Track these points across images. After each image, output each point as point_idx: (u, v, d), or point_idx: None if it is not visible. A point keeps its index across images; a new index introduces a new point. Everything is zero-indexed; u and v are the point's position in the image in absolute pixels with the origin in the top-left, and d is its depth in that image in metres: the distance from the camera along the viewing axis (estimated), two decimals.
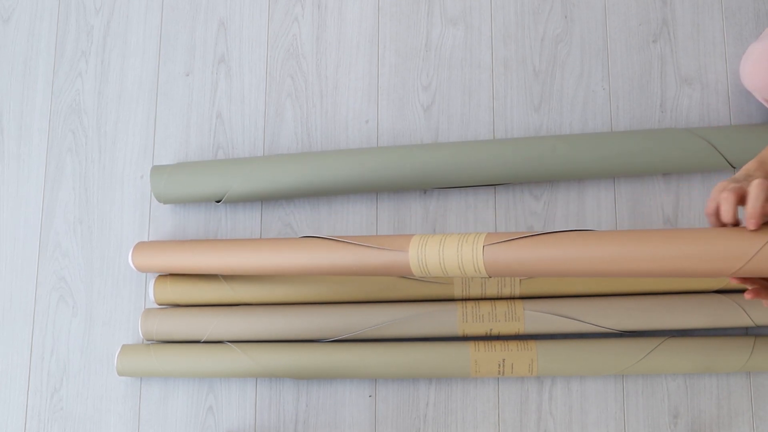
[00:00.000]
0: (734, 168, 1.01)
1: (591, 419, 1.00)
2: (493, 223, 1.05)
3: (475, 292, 0.98)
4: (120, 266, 1.09)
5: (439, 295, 0.99)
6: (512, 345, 0.97)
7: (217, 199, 1.05)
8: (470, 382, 1.01)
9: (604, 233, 0.73)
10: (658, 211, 1.03)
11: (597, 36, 1.09)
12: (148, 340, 1.05)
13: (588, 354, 0.96)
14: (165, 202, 1.06)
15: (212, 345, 1.01)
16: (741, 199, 0.66)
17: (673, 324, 0.96)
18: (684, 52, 1.08)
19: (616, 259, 0.71)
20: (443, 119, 1.09)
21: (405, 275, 0.84)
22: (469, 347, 0.97)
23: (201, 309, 1.03)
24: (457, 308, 0.98)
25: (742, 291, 0.97)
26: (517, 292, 0.98)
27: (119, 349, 1.03)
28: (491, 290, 0.98)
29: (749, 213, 0.65)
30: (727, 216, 0.67)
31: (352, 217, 1.07)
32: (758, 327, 0.98)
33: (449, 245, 0.79)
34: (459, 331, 0.98)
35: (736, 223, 0.68)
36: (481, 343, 0.97)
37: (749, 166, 0.72)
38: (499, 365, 0.96)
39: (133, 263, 1.02)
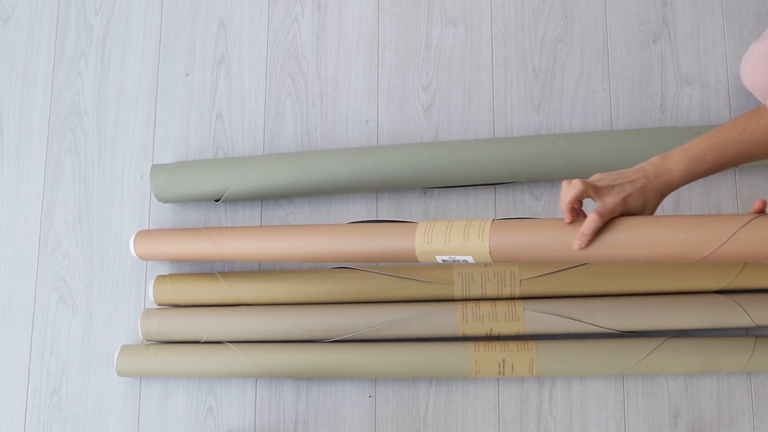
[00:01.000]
0: (736, 166, 1.01)
1: (591, 419, 1.00)
2: None
3: (476, 292, 0.98)
4: (120, 266, 1.09)
5: (439, 295, 0.99)
6: (512, 345, 0.97)
7: (216, 198, 1.05)
8: (470, 383, 1.01)
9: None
10: (658, 210, 1.03)
11: (597, 36, 1.09)
12: (147, 341, 1.05)
13: (588, 354, 0.95)
14: (165, 201, 1.06)
15: (212, 345, 1.01)
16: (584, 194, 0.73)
17: (673, 324, 0.96)
18: (684, 52, 1.08)
19: (609, 245, 0.74)
20: (443, 119, 1.09)
21: (410, 261, 0.85)
22: (469, 347, 0.97)
23: (201, 309, 1.03)
24: (457, 308, 0.98)
25: (742, 291, 0.97)
26: (517, 292, 0.98)
27: (119, 350, 1.03)
28: (491, 290, 0.98)
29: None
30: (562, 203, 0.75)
31: (352, 216, 1.07)
32: (759, 327, 0.98)
33: (456, 230, 0.80)
34: (459, 331, 0.98)
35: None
36: (481, 344, 0.97)
37: (652, 161, 0.75)
38: (499, 365, 0.96)
39: (135, 251, 1.02)
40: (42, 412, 1.07)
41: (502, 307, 0.97)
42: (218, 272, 1.04)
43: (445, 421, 1.01)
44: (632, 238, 0.73)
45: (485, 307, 0.97)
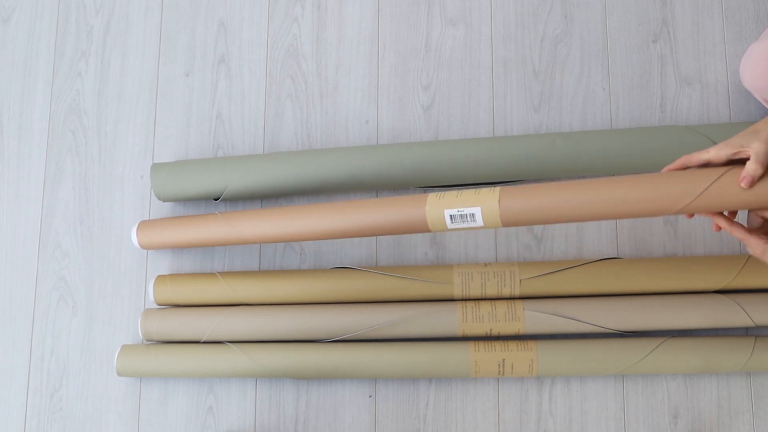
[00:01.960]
0: None
1: (591, 419, 1.00)
2: None
3: (475, 292, 0.98)
4: (120, 266, 1.09)
5: (439, 295, 0.99)
6: (512, 345, 0.97)
7: (215, 197, 1.05)
8: (470, 383, 1.01)
9: (592, 182, 0.81)
10: None
11: (597, 36, 1.09)
12: (147, 341, 1.05)
13: (588, 354, 0.95)
14: (165, 200, 1.06)
15: (212, 345, 1.01)
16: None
17: (673, 324, 0.96)
18: (684, 52, 1.08)
19: (595, 203, 0.79)
20: (443, 119, 1.09)
21: (421, 230, 0.87)
22: (469, 347, 0.97)
23: (201, 309, 1.03)
24: (457, 308, 0.98)
25: (742, 291, 0.97)
26: (517, 292, 0.98)
27: (119, 349, 1.03)
28: (491, 290, 0.98)
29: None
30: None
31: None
32: (758, 327, 0.98)
33: (466, 196, 0.83)
34: (459, 331, 0.98)
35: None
36: (481, 344, 0.97)
37: (743, 134, 0.76)
38: (499, 365, 0.96)
39: (138, 241, 1.03)
40: (42, 412, 1.07)
41: (502, 307, 0.97)
42: (218, 272, 1.04)
43: (445, 421, 1.01)
44: (602, 196, 0.78)
45: (485, 307, 0.97)
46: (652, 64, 1.08)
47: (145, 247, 1.04)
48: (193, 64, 1.14)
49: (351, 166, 1.02)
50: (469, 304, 0.98)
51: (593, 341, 0.96)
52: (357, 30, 1.13)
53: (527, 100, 1.08)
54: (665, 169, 0.80)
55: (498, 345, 0.97)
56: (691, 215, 0.83)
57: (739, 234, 0.78)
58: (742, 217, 0.91)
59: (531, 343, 0.97)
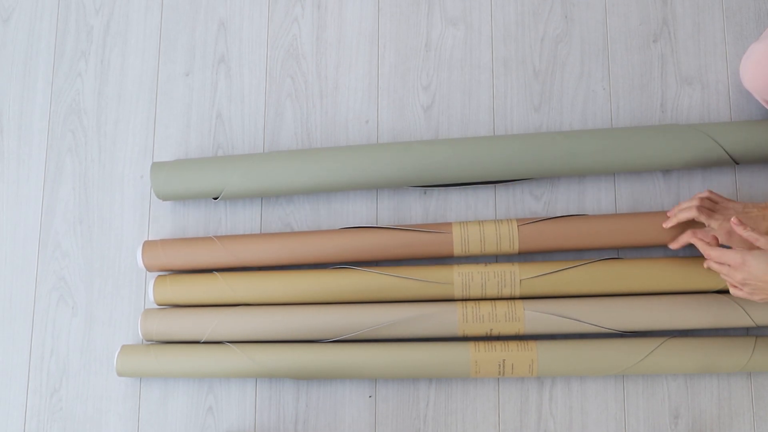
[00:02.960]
0: (737, 164, 1.01)
1: (591, 419, 1.00)
2: None
3: (476, 292, 0.98)
4: (120, 266, 1.09)
5: (439, 295, 0.99)
6: (512, 345, 0.97)
7: (214, 196, 1.05)
8: (470, 383, 1.01)
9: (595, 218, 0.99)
10: (659, 209, 1.03)
11: (597, 36, 1.09)
12: (147, 341, 1.05)
13: (588, 354, 0.95)
14: (165, 199, 1.06)
15: (212, 345, 1.01)
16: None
17: (673, 324, 0.95)
18: (684, 52, 1.08)
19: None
20: (443, 119, 1.09)
21: (446, 255, 1.00)
22: (469, 348, 0.97)
23: (201, 309, 1.03)
24: (457, 309, 0.98)
25: None
26: (517, 292, 0.98)
27: (119, 350, 1.03)
28: (491, 291, 0.98)
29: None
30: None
31: (352, 215, 1.07)
32: (759, 327, 0.98)
33: (488, 226, 0.99)
34: (459, 331, 0.97)
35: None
36: (481, 344, 0.97)
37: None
38: (499, 365, 0.96)
39: (144, 263, 1.03)
40: (42, 412, 1.07)
41: (502, 307, 0.97)
42: (218, 272, 1.04)
43: (445, 421, 1.01)
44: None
45: (485, 307, 0.97)
46: (652, 64, 1.08)
47: (150, 269, 1.05)
48: (193, 64, 1.14)
49: (351, 165, 1.01)
50: (470, 304, 0.98)
51: (593, 341, 0.96)
52: (357, 30, 1.13)
53: (527, 99, 1.08)
54: (672, 244, 0.96)
55: (498, 345, 0.97)
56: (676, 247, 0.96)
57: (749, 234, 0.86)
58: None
59: (531, 344, 0.97)
